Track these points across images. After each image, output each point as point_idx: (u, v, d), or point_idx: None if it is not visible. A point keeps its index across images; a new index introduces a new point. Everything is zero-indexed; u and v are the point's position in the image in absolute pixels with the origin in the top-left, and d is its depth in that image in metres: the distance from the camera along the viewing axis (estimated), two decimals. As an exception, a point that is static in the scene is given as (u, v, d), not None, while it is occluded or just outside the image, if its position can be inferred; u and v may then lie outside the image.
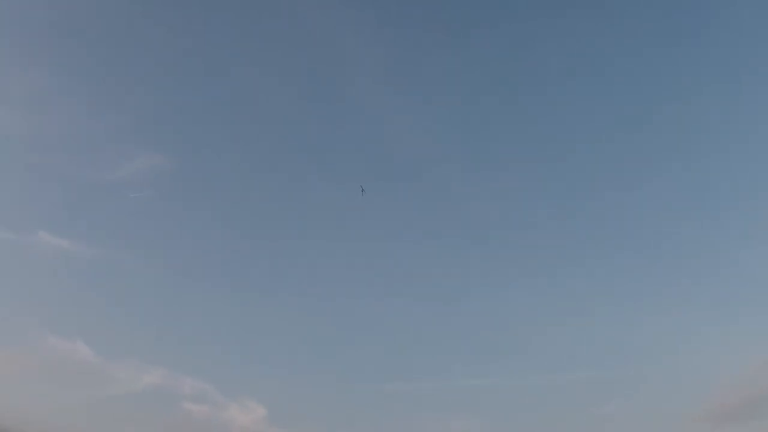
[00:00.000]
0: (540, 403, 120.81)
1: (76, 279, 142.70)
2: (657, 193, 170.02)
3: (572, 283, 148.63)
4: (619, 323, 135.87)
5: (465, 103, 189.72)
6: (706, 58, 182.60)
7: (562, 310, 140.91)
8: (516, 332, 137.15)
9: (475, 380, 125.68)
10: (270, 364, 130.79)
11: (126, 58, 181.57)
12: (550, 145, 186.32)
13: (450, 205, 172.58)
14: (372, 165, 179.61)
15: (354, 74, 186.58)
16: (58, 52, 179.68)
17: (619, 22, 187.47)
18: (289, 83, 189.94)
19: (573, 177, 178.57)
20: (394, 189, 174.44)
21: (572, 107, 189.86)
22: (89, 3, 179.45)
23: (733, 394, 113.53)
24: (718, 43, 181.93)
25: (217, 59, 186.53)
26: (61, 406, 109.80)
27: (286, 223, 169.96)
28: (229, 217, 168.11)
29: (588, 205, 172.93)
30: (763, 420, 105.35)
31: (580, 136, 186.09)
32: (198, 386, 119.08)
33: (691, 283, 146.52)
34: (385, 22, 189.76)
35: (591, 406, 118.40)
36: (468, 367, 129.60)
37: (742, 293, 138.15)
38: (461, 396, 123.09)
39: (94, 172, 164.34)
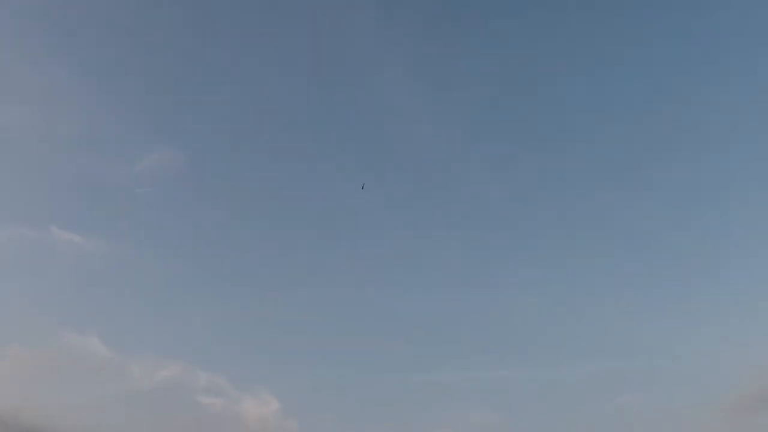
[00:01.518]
0: (558, 394, 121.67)
1: (90, 274, 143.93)
2: (676, 185, 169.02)
3: (592, 275, 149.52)
4: (637, 315, 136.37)
5: (485, 100, 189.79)
6: (714, 59, 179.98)
7: (581, 302, 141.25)
8: (535, 324, 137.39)
9: (494, 372, 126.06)
10: (284, 357, 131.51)
11: (141, 55, 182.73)
12: (568, 141, 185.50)
13: (470, 198, 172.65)
14: (390, 160, 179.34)
15: (372, 71, 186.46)
16: (72, 50, 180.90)
17: (637, 18, 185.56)
18: (307, 80, 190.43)
19: (594, 170, 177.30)
20: (413, 182, 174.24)
21: (592, 103, 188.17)
22: (103, 1, 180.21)
23: (749, 388, 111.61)
24: (721, 45, 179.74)
25: (233, 55, 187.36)
26: (77, 402, 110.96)
27: (302, 216, 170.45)
28: (244, 211, 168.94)
29: (605, 197, 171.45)
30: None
31: (598, 133, 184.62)
32: (212, 379, 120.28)
33: (710, 275, 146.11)
34: (405, 20, 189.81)
35: (608, 397, 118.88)
36: (487, 358, 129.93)
37: (762, 286, 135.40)
38: (480, 387, 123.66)
39: (109, 168, 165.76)
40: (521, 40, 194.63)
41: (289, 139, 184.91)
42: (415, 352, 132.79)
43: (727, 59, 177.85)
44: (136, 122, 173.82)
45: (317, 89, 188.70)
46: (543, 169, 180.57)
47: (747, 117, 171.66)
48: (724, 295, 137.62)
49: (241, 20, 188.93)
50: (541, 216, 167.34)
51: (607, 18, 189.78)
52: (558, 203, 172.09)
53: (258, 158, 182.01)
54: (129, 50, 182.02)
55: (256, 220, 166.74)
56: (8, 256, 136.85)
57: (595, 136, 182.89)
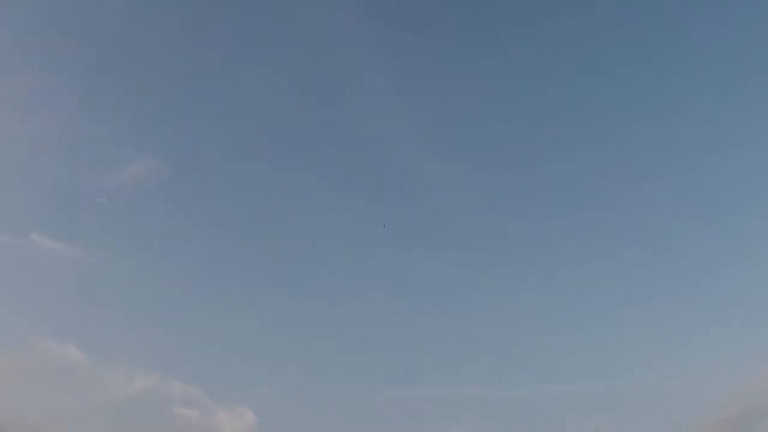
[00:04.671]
0: (532, 413, 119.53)
1: (69, 282, 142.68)
2: (651, 201, 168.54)
3: (570, 293, 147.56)
4: (617, 333, 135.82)
5: (465, 110, 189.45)
6: (707, 62, 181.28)
7: (559, 320, 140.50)
8: (516, 340, 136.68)
9: (474, 388, 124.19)
10: (261, 370, 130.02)
11: (124, 61, 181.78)
12: (546, 148, 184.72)
13: (451, 210, 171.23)
14: (369, 171, 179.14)
15: (354, 80, 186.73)
16: (54, 55, 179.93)
17: (616, 24, 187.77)
18: (290, 88, 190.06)
19: (569, 180, 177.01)
20: (395, 194, 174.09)
21: (568, 111, 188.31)
22: (86, 6, 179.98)
23: (728, 409, 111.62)
24: (720, 45, 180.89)
25: (216, 63, 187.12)
26: (52, 410, 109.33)
27: (282, 226, 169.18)
28: (224, 221, 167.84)
29: (583, 211, 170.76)
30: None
31: (577, 138, 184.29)
32: (188, 391, 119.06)
33: (688, 294, 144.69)
34: (387, 28, 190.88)
35: (585, 416, 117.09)
36: (467, 374, 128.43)
37: (740, 305, 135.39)
38: (460, 403, 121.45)
39: (90, 174, 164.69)
40: (503, 50, 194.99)
41: (273, 148, 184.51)
42: (396, 365, 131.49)
43: (729, 62, 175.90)
44: (118, 130, 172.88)
45: (305, 98, 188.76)
46: (519, 180, 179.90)
47: (753, 120, 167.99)
48: (705, 315, 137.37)
49: (225, 28, 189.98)
50: (517, 228, 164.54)
51: (594, 25, 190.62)
52: (534, 216, 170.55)
53: (242, 166, 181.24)
54: (113, 56, 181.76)
55: (236, 231, 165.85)
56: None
57: (581, 142, 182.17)
